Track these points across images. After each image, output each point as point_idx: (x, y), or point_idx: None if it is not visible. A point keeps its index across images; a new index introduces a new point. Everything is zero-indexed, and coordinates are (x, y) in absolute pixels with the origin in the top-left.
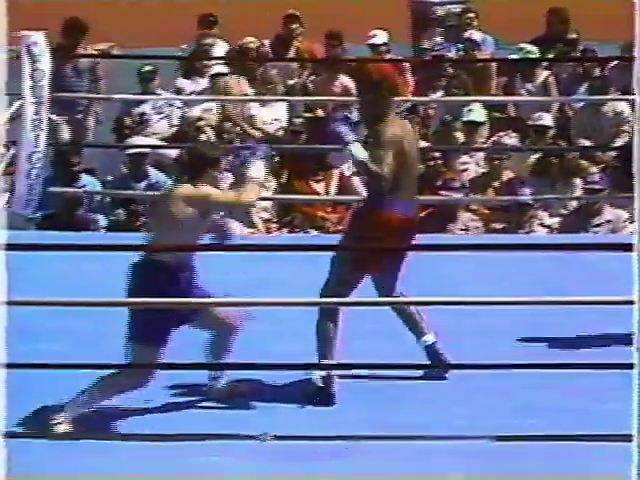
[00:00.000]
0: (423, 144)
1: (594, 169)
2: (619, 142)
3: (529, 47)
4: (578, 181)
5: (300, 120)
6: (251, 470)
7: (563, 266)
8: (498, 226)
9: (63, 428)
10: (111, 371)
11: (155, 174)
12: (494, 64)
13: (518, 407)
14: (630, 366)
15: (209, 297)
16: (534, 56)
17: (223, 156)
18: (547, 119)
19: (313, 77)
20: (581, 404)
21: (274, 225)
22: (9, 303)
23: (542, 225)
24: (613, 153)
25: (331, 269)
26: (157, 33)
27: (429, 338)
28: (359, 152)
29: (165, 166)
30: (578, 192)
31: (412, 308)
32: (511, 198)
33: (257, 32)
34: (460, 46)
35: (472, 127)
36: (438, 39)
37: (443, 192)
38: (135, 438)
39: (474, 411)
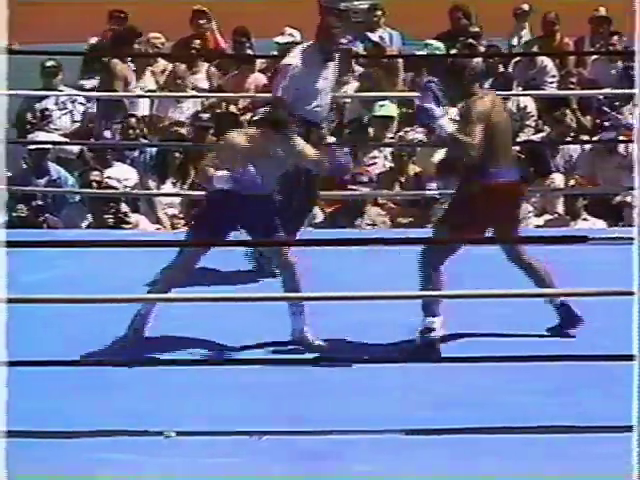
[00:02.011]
0: (332, 139)
1: None
2: (523, 136)
3: (436, 43)
4: None
5: (207, 115)
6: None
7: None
8: (404, 221)
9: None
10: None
11: (56, 170)
12: (401, 60)
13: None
14: (630, 357)
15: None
16: (440, 52)
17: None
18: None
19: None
20: None
21: (181, 221)
22: (9, 301)
23: None
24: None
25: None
26: (65, 29)
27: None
28: (448, 125)
29: (67, 162)
30: None
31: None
32: (418, 193)
33: (169, 29)
34: (367, 42)
35: (383, 122)
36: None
37: (351, 186)
38: (45, 435)
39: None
